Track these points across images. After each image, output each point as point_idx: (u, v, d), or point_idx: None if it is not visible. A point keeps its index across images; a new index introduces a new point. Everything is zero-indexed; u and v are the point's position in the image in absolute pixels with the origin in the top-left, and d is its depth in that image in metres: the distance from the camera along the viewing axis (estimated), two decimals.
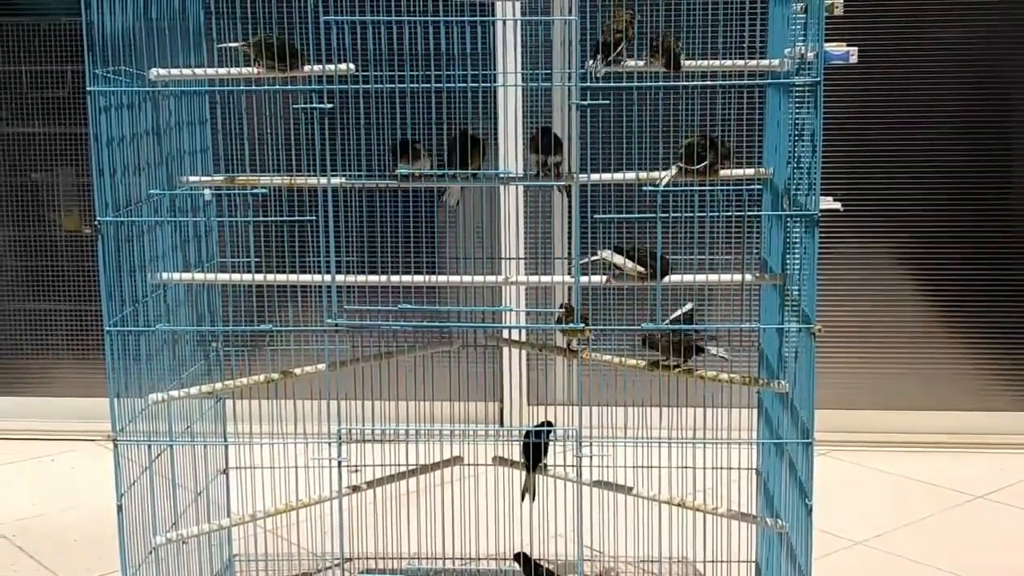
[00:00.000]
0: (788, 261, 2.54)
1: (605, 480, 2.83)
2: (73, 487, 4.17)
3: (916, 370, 4.50)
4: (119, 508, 2.40)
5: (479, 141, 2.58)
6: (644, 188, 2.42)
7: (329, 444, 2.52)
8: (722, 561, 2.91)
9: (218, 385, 2.70)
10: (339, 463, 2.50)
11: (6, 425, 4.78)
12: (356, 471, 2.86)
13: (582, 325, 2.49)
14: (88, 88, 2.40)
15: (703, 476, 2.87)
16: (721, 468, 2.87)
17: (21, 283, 4.87)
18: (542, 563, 2.92)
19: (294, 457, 2.81)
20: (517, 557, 2.93)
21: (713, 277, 2.53)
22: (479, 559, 3.09)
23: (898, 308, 4.48)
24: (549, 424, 2.86)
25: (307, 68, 2.52)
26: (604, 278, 2.53)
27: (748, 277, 2.57)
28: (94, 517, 3.72)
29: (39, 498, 4.07)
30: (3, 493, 4.15)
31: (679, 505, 2.75)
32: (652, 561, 3.10)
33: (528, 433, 2.85)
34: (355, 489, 2.79)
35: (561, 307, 2.74)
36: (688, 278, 2.52)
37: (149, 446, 2.53)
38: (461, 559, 3.04)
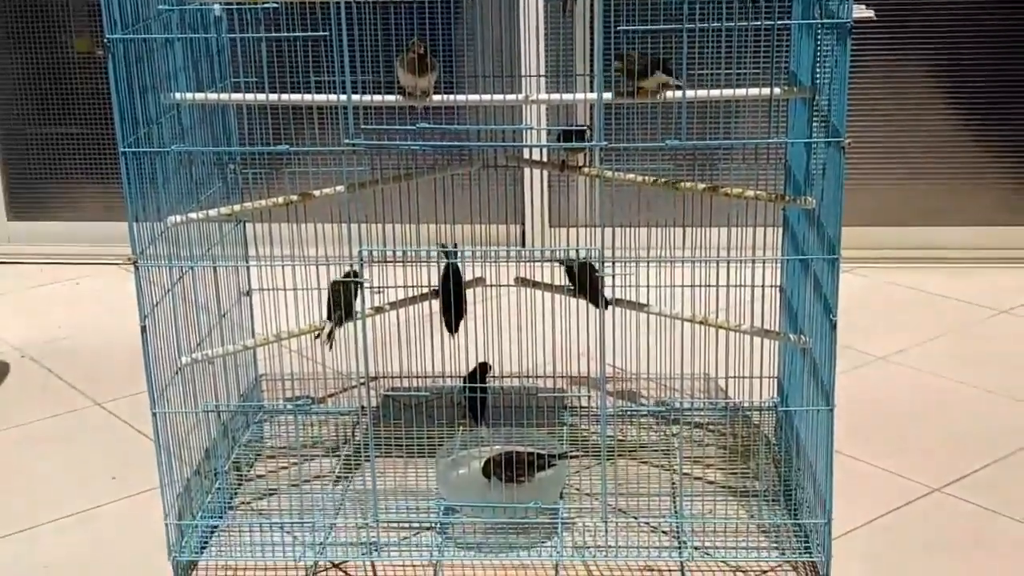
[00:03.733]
0: (818, 73, 2.46)
1: (628, 299, 2.82)
2: (98, 310, 4.21)
3: (946, 184, 4.44)
4: (143, 329, 2.41)
5: None
6: None
7: (351, 265, 2.51)
8: (744, 377, 2.92)
9: (236, 207, 2.68)
10: (360, 284, 2.49)
11: (31, 250, 4.81)
12: (379, 292, 2.86)
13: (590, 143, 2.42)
14: None
15: (726, 295, 2.86)
16: (744, 286, 2.85)
17: (37, 107, 4.82)
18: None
19: (316, 279, 2.81)
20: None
21: (740, 91, 2.46)
22: (502, 377, 3.12)
23: (929, 120, 4.39)
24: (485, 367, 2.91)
25: None
26: (628, 94, 2.46)
27: (776, 90, 2.49)
28: (120, 339, 3.76)
29: (65, 321, 4.12)
30: (30, 316, 4.21)
31: (702, 323, 2.75)
32: (674, 378, 3.12)
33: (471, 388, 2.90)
34: (378, 310, 2.80)
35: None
36: (715, 92, 2.44)
37: (170, 268, 2.52)
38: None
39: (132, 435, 3.23)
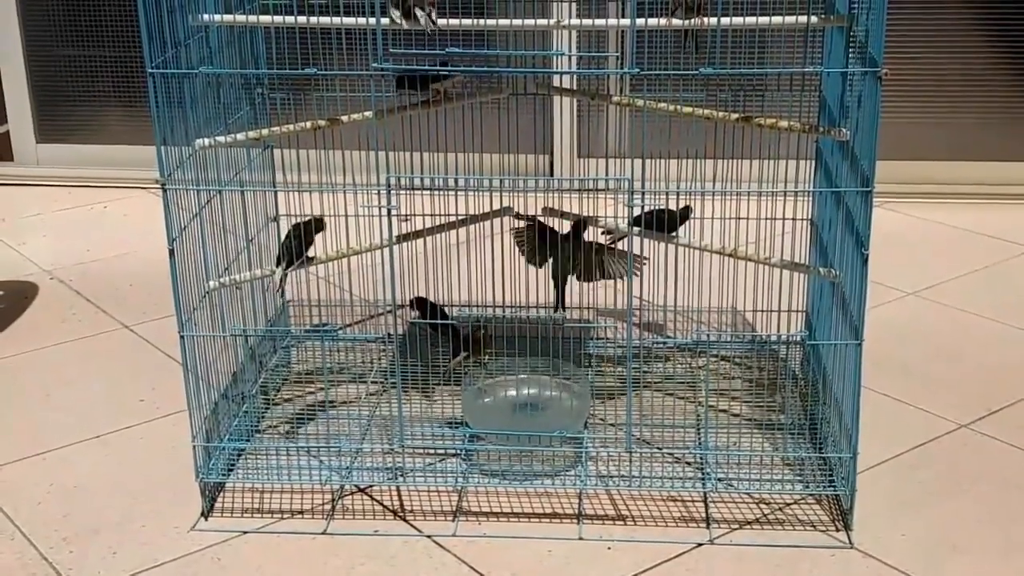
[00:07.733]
0: (855, 1, 2.41)
1: (655, 231, 2.80)
2: (126, 234, 4.23)
3: (982, 118, 4.37)
4: (171, 253, 2.41)
5: None
6: None
7: (379, 192, 2.50)
8: (772, 311, 2.90)
9: (264, 131, 2.66)
10: (388, 211, 2.48)
11: (59, 172, 4.82)
12: (406, 220, 2.85)
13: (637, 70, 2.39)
14: None
15: (756, 227, 2.83)
16: (775, 219, 2.82)
17: (66, 29, 4.79)
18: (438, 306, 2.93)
19: (343, 206, 2.80)
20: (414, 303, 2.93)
21: (776, 19, 2.41)
22: (528, 307, 3.11)
23: (968, 52, 4.30)
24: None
25: None
26: (662, 20, 2.41)
27: (812, 18, 2.44)
28: (148, 263, 3.78)
29: (94, 244, 4.14)
30: (59, 239, 4.23)
31: (731, 255, 2.72)
32: (702, 311, 3.10)
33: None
34: (405, 238, 2.79)
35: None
36: (750, 20, 2.39)
37: (198, 192, 2.51)
38: (511, 307, 3.07)
39: (160, 358, 3.25)
